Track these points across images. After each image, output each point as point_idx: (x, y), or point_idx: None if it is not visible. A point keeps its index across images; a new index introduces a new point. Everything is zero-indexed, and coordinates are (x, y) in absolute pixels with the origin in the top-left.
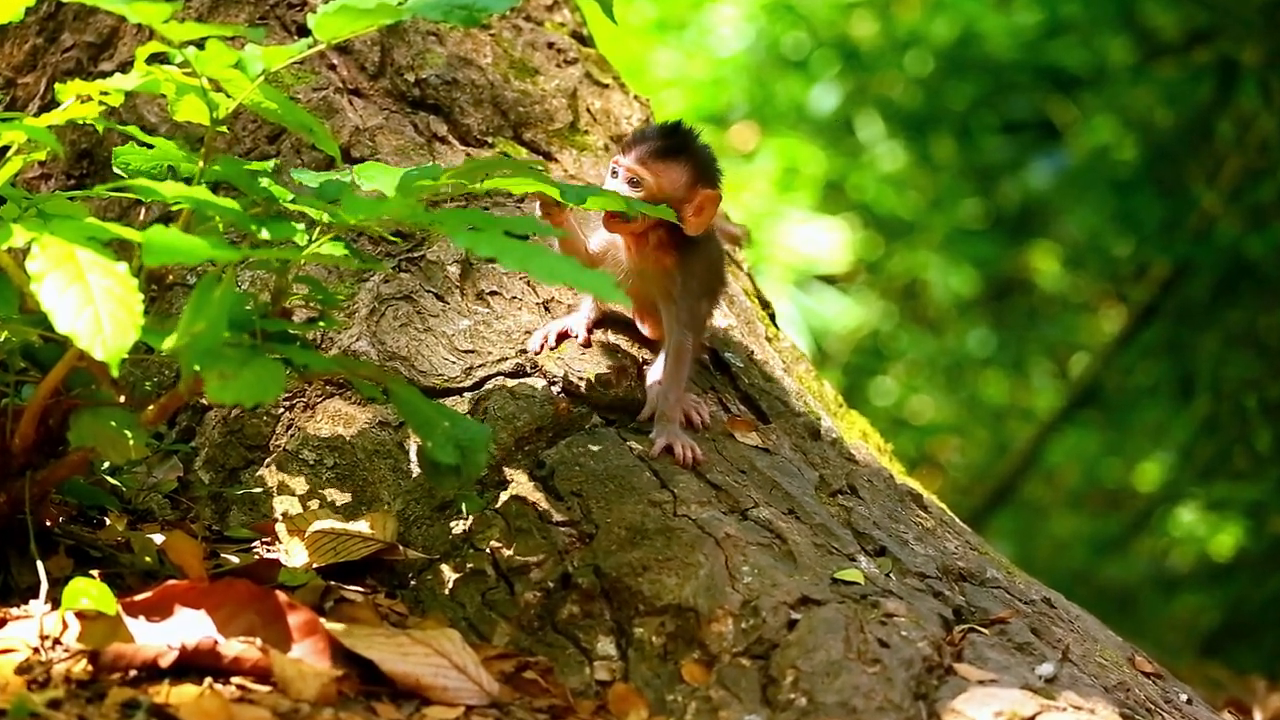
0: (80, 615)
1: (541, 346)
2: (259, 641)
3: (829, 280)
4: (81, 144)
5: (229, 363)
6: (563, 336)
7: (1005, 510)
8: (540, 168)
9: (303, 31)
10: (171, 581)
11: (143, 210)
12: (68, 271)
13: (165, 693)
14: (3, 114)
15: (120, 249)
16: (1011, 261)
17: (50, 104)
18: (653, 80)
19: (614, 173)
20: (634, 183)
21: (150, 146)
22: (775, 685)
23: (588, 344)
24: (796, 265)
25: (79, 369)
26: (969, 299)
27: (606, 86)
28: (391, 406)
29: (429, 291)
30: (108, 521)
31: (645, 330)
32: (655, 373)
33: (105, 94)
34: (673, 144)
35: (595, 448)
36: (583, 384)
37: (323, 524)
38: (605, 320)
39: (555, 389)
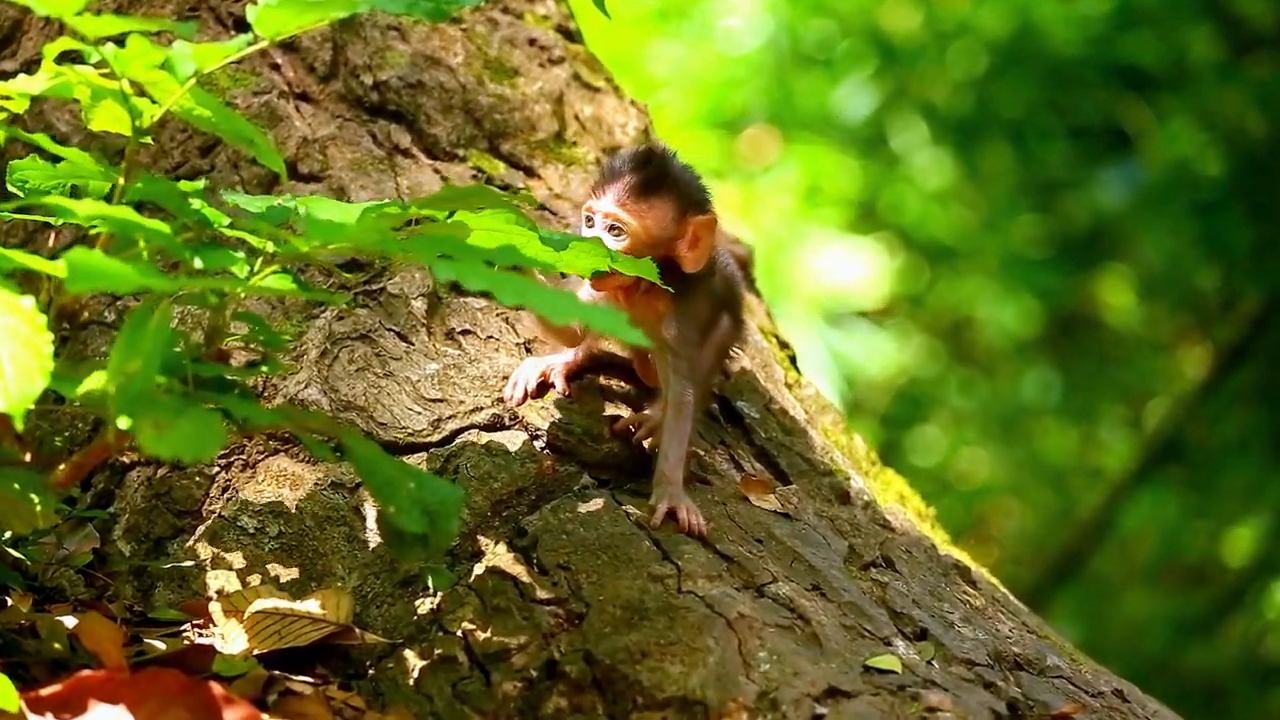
0: None
1: (524, 397)
2: None
3: (862, 315)
4: None
5: (164, 410)
6: (544, 383)
7: (1070, 587)
8: (522, 186)
9: (241, 26)
10: (85, 672)
11: (52, 235)
12: None
13: None
14: None
15: (25, 281)
16: (1077, 293)
17: None
18: (650, 79)
19: (589, 220)
20: (615, 229)
21: (59, 159)
22: None
23: (568, 394)
24: (823, 297)
25: None
26: (1027, 338)
27: (598, 90)
28: (346, 465)
29: (390, 330)
30: (9, 602)
31: (647, 380)
32: (654, 420)
33: (7, 98)
34: (651, 175)
35: (585, 513)
36: (571, 438)
37: (265, 603)
38: (595, 363)
39: (538, 444)
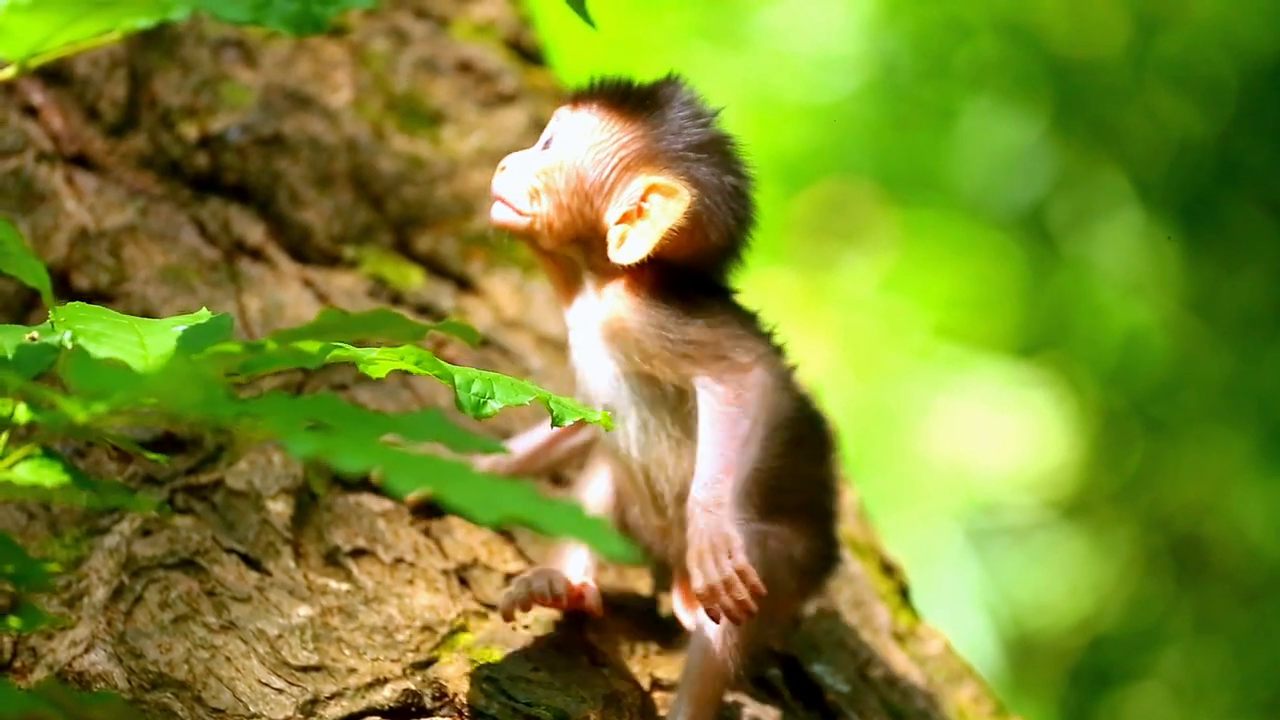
0: None
1: (510, 611)
2: None
3: (1035, 514)
4: None
5: None
6: (537, 600)
7: None
8: (452, 308)
9: None
10: None
11: None
12: None
13: None
14: None
15: None
16: None
17: None
18: None
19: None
20: (548, 144)
21: None
22: None
23: (579, 607)
24: (966, 485)
25: None
26: None
27: None
28: None
29: (232, 552)
30: None
31: (687, 606)
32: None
33: None
34: (641, 95)
35: None
36: None
37: None
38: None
39: None
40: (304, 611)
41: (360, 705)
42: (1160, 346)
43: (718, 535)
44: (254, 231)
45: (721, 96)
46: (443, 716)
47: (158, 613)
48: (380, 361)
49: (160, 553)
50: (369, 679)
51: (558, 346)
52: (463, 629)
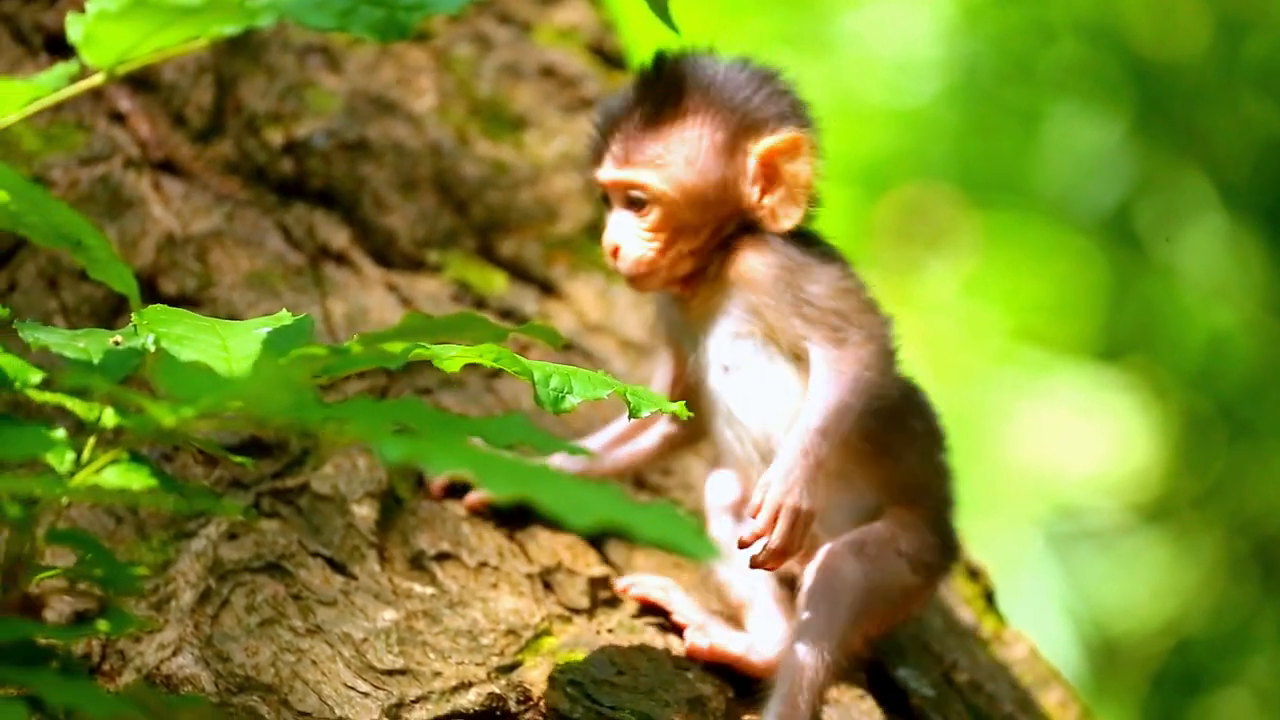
0: None
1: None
2: None
3: (1119, 517)
4: None
5: None
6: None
7: None
8: (536, 312)
9: (59, 48)
10: None
11: None
12: None
13: None
14: None
15: None
16: None
17: None
18: None
19: (606, 201)
20: (635, 202)
21: None
22: None
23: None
24: (1048, 488)
25: None
26: None
27: None
28: None
29: (317, 556)
30: None
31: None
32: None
33: None
34: (662, 95)
35: None
36: None
37: None
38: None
39: None
40: (389, 615)
41: (445, 709)
42: (1244, 349)
43: (794, 474)
44: (338, 236)
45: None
46: (527, 716)
47: (244, 616)
48: (456, 357)
49: (246, 556)
50: (454, 682)
51: (640, 350)
52: (547, 633)
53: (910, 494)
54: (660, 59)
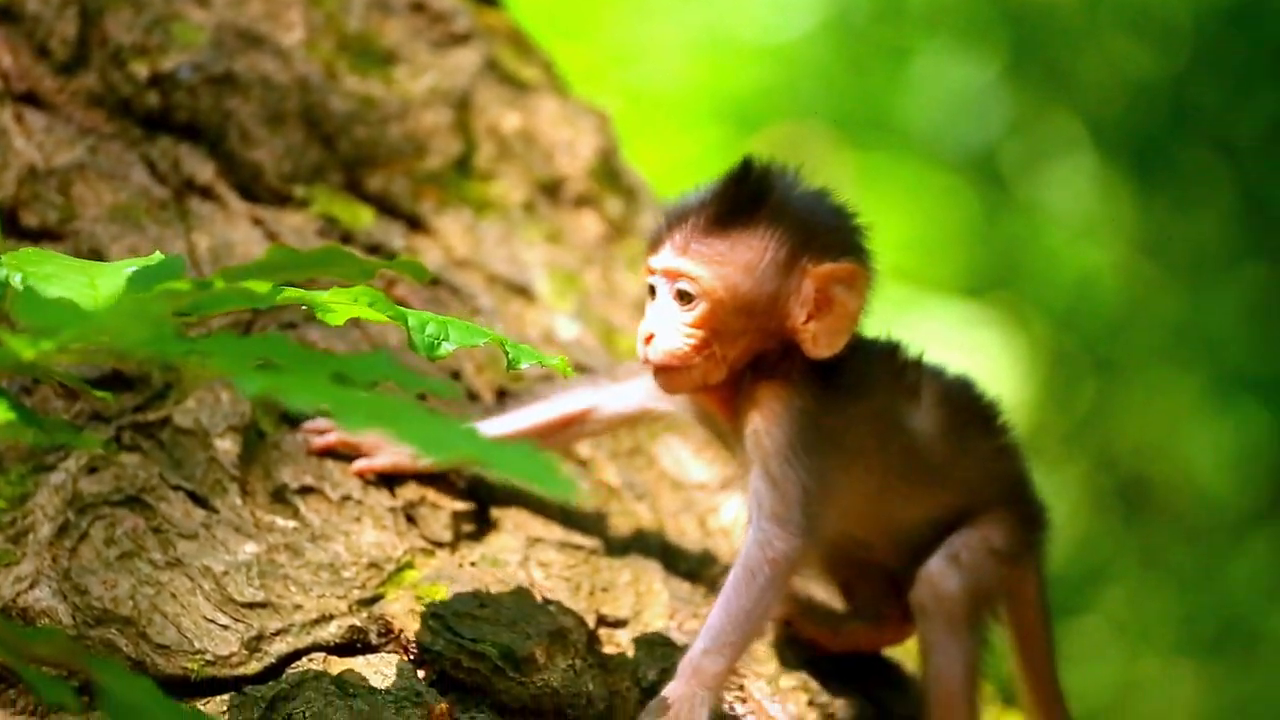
0: None
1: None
2: None
3: None
4: None
5: None
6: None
7: None
8: (403, 247)
9: None
10: None
11: None
12: None
13: None
14: None
15: None
16: None
17: None
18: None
19: (651, 290)
20: (684, 294)
21: None
22: None
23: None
24: None
25: None
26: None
27: (529, 88)
28: (98, 718)
29: (179, 489)
30: None
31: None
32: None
33: None
34: (738, 200)
35: None
36: (480, 664)
37: None
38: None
39: (423, 675)
40: (250, 548)
41: (306, 641)
42: (1111, 288)
43: (684, 708)
44: (204, 170)
45: (675, 38)
46: (388, 653)
47: (103, 549)
48: (336, 309)
49: (106, 490)
50: (314, 615)
51: (508, 286)
52: (409, 566)
53: (986, 489)
54: (747, 165)
